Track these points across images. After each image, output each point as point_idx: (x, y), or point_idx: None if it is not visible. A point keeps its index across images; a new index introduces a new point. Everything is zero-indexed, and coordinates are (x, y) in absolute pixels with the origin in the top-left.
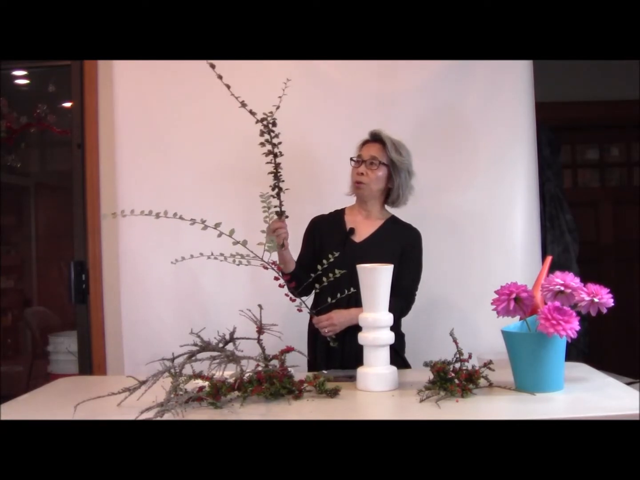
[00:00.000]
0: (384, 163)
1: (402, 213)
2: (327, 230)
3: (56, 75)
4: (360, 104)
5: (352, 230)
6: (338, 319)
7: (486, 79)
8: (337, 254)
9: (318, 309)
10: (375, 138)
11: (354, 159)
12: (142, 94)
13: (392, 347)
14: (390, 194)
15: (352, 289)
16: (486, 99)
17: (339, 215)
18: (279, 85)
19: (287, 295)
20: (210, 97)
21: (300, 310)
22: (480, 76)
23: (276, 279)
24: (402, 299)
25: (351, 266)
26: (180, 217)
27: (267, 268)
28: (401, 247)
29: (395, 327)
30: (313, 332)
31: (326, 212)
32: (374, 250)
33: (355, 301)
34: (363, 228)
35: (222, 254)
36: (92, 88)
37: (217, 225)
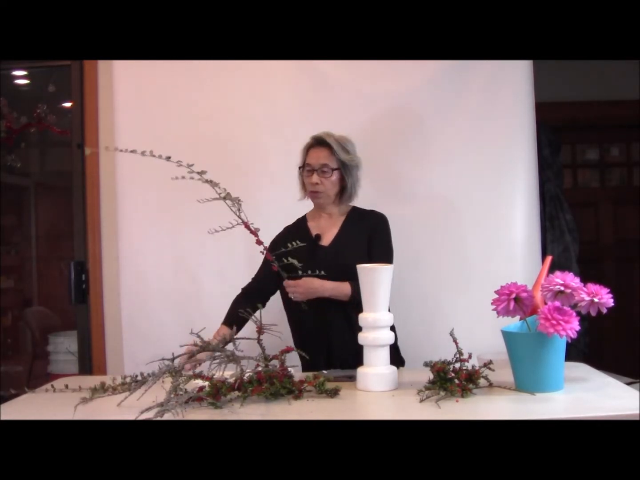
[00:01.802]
0: (335, 168)
1: (402, 214)
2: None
3: (56, 75)
4: (360, 103)
5: (318, 237)
6: (304, 286)
7: (486, 79)
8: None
9: (293, 275)
10: (320, 142)
11: (305, 168)
12: (142, 94)
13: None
14: (344, 193)
15: (321, 272)
16: (486, 99)
17: (301, 223)
18: (278, 85)
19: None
20: (210, 97)
21: (273, 265)
22: (480, 76)
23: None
24: None
25: (326, 270)
26: (167, 159)
27: (249, 229)
28: (367, 235)
29: None
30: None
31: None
32: (343, 249)
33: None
34: (328, 230)
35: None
36: (92, 88)
37: (201, 173)
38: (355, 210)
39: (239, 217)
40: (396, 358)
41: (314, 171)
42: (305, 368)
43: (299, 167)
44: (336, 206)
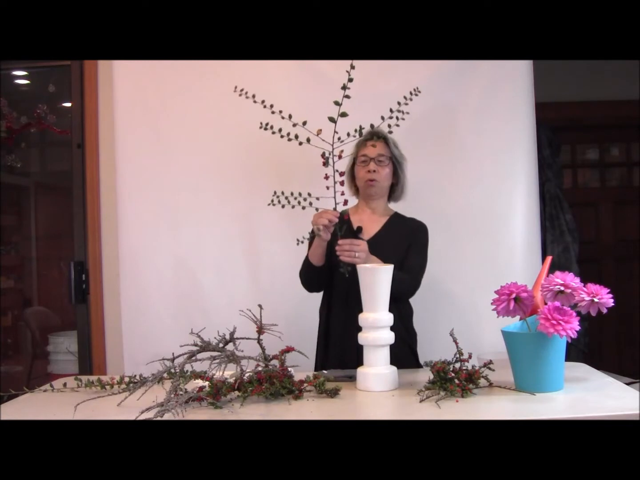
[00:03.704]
0: (390, 159)
1: (403, 212)
2: (332, 232)
3: (56, 75)
4: (360, 103)
5: (359, 229)
6: (367, 249)
7: (486, 79)
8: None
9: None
10: (377, 135)
11: (360, 159)
12: (142, 94)
13: (408, 344)
14: (394, 190)
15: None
16: (486, 99)
17: (343, 215)
18: (279, 85)
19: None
20: (210, 96)
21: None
22: (480, 76)
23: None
24: (408, 276)
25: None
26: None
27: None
28: (408, 240)
29: (408, 323)
30: (325, 334)
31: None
32: (383, 246)
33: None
34: (370, 225)
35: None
36: (92, 88)
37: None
38: (398, 215)
39: (334, 169)
40: (416, 365)
41: (371, 160)
42: (331, 362)
43: (355, 158)
44: (383, 203)
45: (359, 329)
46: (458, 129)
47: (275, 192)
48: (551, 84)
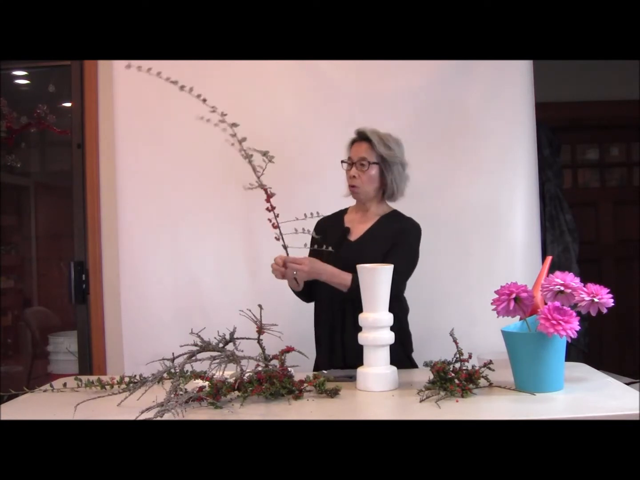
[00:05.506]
0: (374, 162)
1: (403, 212)
2: (327, 232)
3: (56, 75)
4: (361, 103)
5: (347, 230)
6: (309, 265)
7: (486, 79)
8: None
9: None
10: (362, 136)
11: (345, 161)
12: (142, 94)
13: (401, 346)
14: (386, 190)
15: (329, 248)
16: (486, 99)
17: (340, 215)
18: (279, 85)
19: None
20: (210, 97)
21: (277, 239)
22: (480, 76)
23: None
24: None
25: (347, 265)
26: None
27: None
28: (392, 241)
29: (403, 322)
30: (317, 333)
31: (325, 212)
32: (367, 248)
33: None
34: (359, 226)
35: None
36: (92, 88)
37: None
38: (394, 214)
39: (259, 180)
40: (411, 365)
41: (353, 164)
42: (320, 366)
43: (342, 162)
44: (376, 204)
45: (345, 332)
46: (458, 130)
47: (305, 214)
48: (551, 84)
